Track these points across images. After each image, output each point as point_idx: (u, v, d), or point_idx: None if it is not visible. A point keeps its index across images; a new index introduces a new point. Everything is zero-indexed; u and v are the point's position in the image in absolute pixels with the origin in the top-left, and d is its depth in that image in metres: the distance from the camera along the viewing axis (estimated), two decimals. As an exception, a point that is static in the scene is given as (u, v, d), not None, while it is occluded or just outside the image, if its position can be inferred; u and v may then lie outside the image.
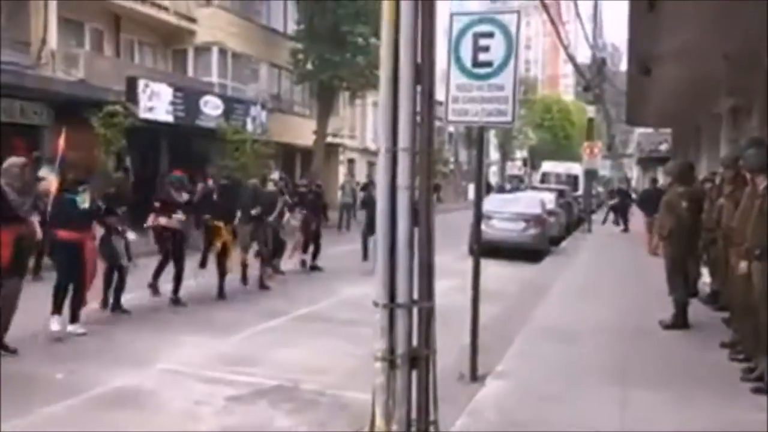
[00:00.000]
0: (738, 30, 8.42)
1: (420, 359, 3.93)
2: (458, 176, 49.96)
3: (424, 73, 3.90)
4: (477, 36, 5.98)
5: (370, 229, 12.79)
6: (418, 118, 3.84)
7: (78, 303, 7.62)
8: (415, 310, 3.90)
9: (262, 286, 11.06)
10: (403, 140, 3.80)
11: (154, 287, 9.60)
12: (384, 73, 3.84)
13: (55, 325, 7.37)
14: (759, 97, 9.00)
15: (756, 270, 5.82)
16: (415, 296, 3.92)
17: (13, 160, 6.89)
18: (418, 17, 3.82)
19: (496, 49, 5.92)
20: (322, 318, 9.14)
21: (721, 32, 8.77)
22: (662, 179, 20.29)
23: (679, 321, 8.22)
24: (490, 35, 5.95)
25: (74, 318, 7.62)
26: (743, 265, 6.01)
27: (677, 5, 7.72)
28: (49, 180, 8.14)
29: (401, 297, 3.86)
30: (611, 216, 26.07)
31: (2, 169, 6.78)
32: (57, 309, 7.43)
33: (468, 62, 6.02)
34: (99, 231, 8.37)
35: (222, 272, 10.12)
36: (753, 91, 9.13)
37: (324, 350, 7.47)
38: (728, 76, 10.21)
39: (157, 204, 9.61)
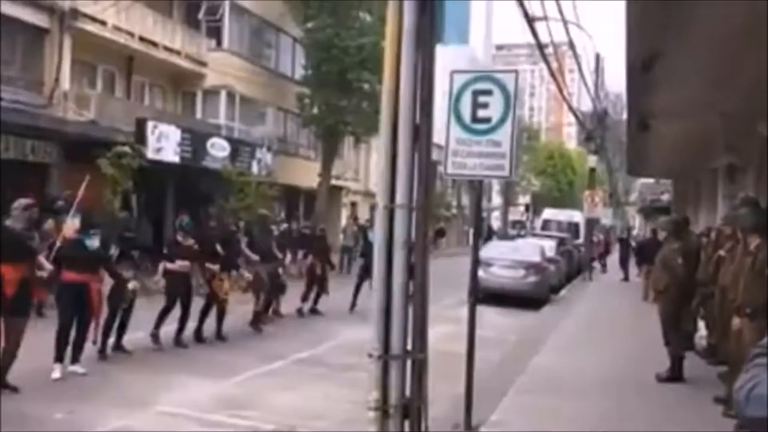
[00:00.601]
0: (734, 89, 8.66)
1: (412, 409, 4.04)
2: (461, 221, 50.16)
3: (422, 133, 4.10)
4: (476, 93, 6.18)
5: (365, 274, 13.00)
6: (416, 177, 4.02)
7: (80, 344, 7.71)
8: (408, 362, 4.02)
9: (256, 328, 11.13)
10: (401, 197, 3.97)
11: (155, 336, 9.42)
12: (384, 133, 4.04)
13: (56, 373, 7.42)
14: (754, 156, 9.20)
15: (747, 327, 5.92)
16: (409, 347, 4.05)
17: (20, 202, 7.08)
18: (417, 82, 4.03)
19: (495, 106, 6.12)
20: (321, 362, 9.20)
21: (718, 90, 9.01)
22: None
23: (675, 374, 8.28)
24: (489, 93, 6.16)
25: (75, 359, 7.70)
26: (736, 321, 6.12)
27: (673, 64, 7.97)
28: (68, 225, 8.33)
29: (395, 348, 3.98)
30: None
31: (11, 209, 6.98)
32: (59, 356, 7.49)
33: (467, 118, 6.21)
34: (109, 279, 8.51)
35: (221, 314, 10.22)
36: (749, 149, 9.34)
37: (321, 395, 7.53)
38: (725, 134, 10.45)
39: (165, 251, 9.76)
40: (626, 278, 23.28)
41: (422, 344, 4.05)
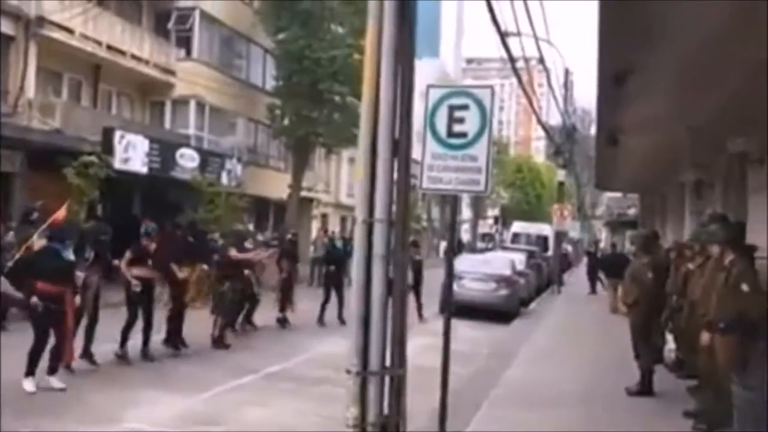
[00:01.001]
0: (702, 105, 8.80)
1: (390, 426, 4.00)
2: (431, 233, 50.29)
3: (401, 147, 4.08)
4: (452, 108, 6.19)
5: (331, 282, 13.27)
6: (395, 191, 3.99)
7: (58, 356, 7.50)
8: (386, 378, 3.98)
9: (220, 344, 10.69)
10: (380, 211, 3.94)
11: (123, 356, 9.13)
12: (362, 146, 4.01)
13: (29, 385, 7.24)
14: (721, 171, 9.36)
15: (719, 342, 5.99)
16: (387, 363, 4.01)
17: None
18: (396, 96, 4.01)
19: (471, 121, 6.12)
20: (292, 377, 9.09)
21: (687, 106, 9.14)
22: (627, 244, 20.97)
23: (645, 388, 8.34)
24: (465, 107, 6.17)
25: (53, 370, 7.50)
26: (705, 336, 6.19)
27: (644, 79, 8.07)
28: (37, 242, 8.19)
29: (373, 364, 3.94)
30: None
31: None
32: (31, 371, 7.30)
33: (443, 132, 6.21)
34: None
35: (179, 317, 10.08)
36: (716, 164, 9.50)
37: (292, 410, 7.44)
38: (692, 149, 10.61)
39: (129, 255, 9.45)
40: (593, 291, 23.51)
41: (401, 360, 4.01)
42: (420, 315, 14.68)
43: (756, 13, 5.38)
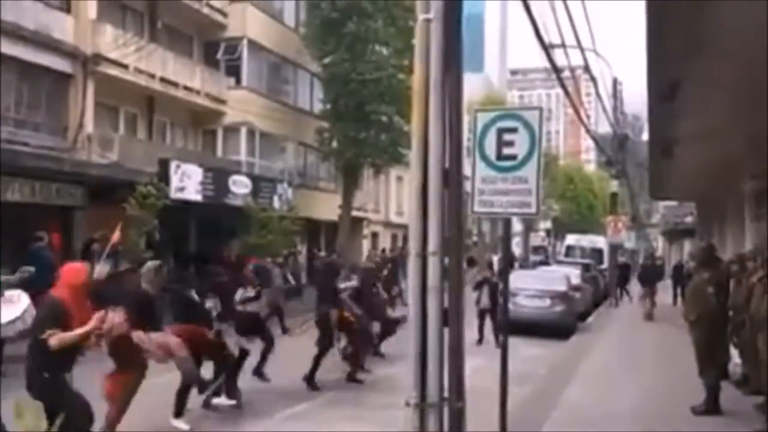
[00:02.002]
0: (759, 113, 8.58)
1: (451, 459, 3.99)
2: (482, 248, 49.92)
3: (452, 177, 4.10)
4: (501, 131, 6.20)
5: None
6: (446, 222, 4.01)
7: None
8: (445, 410, 3.98)
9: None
10: (433, 244, 3.96)
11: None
12: (414, 180, 4.04)
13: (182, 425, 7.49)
14: (782, 180, 9.11)
15: (786, 360, 5.81)
16: (446, 394, 4.01)
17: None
18: (445, 126, 4.04)
19: (520, 143, 6.12)
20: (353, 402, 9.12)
21: (742, 116, 8.93)
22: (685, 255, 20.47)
23: (711, 406, 8.12)
24: (514, 130, 6.17)
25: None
26: (772, 353, 6.01)
27: (696, 91, 7.93)
28: (99, 269, 8.46)
29: (432, 396, 3.94)
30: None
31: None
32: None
33: (493, 156, 6.22)
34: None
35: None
36: (775, 174, 9.25)
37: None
38: (751, 158, 10.34)
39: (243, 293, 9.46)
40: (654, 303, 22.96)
41: (459, 392, 4.01)
42: (497, 338, 12.79)
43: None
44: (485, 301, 14.29)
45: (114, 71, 18.57)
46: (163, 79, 20.46)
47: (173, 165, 18.19)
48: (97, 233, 14.63)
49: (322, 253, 24.31)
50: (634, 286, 24.25)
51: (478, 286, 14.47)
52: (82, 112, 17.67)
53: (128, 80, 19.24)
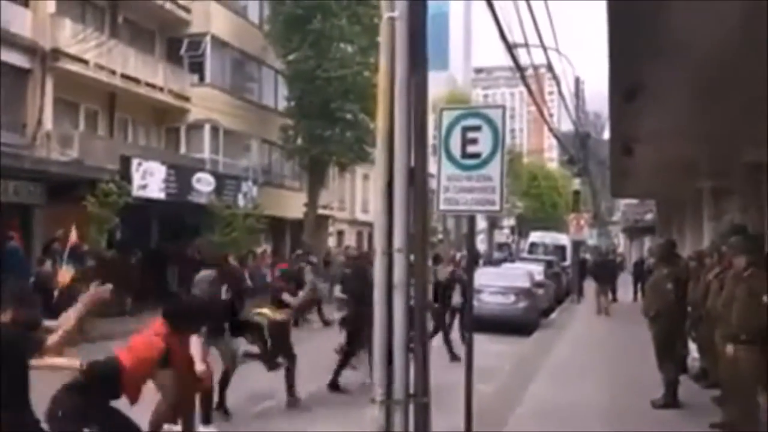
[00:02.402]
0: (718, 115, 8.79)
1: (417, 454, 4.03)
2: (447, 245, 50.21)
3: (417, 175, 4.13)
4: (465, 129, 6.24)
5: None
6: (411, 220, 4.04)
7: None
8: (411, 406, 4.01)
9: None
10: (398, 242, 3.99)
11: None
12: (380, 178, 4.07)
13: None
14: (738, 180, 9.33)
15: (743, 354, 5.96)
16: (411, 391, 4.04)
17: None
18: (411, 125, 4.07)
19: (484, 141, 6.17)
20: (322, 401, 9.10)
21: (702, 117, 9.13)
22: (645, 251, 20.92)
23: (670, 400, 8.29)
24: (478, 129, 6.22)
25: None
26: (729, 348, 6.16)
27: (657, 92, 8.09)
28: (62, 272, 8.28)
29: (398, 393, 3.97)
30: None
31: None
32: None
33: (457, 154, 6.26)
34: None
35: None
36: (732, 173, 9.47)
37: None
38: (709, 158, 10.58)
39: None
40: (614, 299, 23.38)
41: (425, 388, 4.04)
42: (463, 336, 13.22)
43: (765, 25, 5.40)
44: (457, 298, 14.21)
45: (74, 67, 18.24)
46: (124, 76, 20.17)
47: (135, 162, 17.94)
48: (57, 232, 14.41)
49: (350, 249, 23.99)
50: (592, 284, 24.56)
51: (449, 284, 14.33)
52: (40, 108, 17.34)
53: (88, 76, 18.92)
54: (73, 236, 9.00)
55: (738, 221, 8.15)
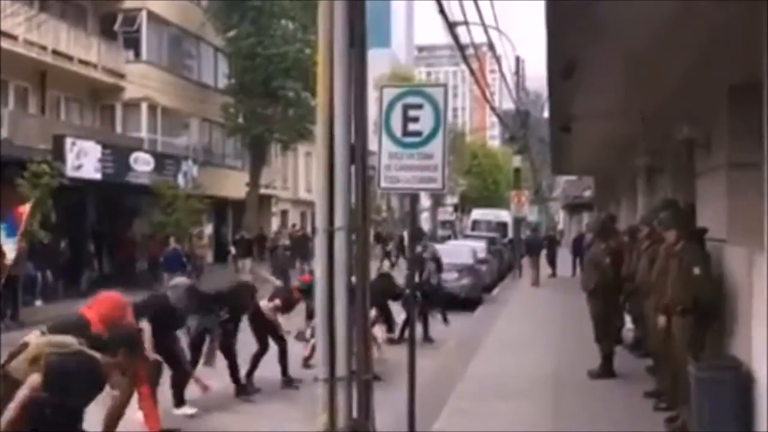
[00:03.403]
0: (652, 93, 9.02)
1: (360, 430, 4.05)
2: (390, 224, 50.44)
3: (357, 153, 4.11)
4: (406, 107, 6.24)
5: None
6: (353, 198, 4.03)
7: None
8: (354, 383, 4.03)
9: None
10: (339, 219, 3.97)
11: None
12: (320, 156, 4.03)
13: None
14: (671, 157, 9.62)
15: (677, 324, 6.17)
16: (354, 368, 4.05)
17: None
18: (351, 102, 4.04)
19: (425, 119, 6.19)
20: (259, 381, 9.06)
21: (637, 95, 9.35)
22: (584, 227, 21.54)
23: (606, 370, 8.56)
24: (419, 107, 6.23)
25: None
26: (662, 319, 6.38)
27: (593, 70, 8.24)
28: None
29: (340, 371, 3.98)
30: None
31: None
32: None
33: (398, 132, 6.26)
34: None
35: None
36: (665, 151, 9.74)
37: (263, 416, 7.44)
38: (644, 137, 10.85)
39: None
40: (554, 274, 23.93)
41: (367, 365, 4.06)
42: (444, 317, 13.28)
43: (697, 7, 5.55)
44: (434, 278, 13.95)
45: (2, 43, 17.47)
46: (55, 52, 19.45)
47: (68, 142, 17.40)
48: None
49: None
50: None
51: (419, 262, 14.17)
52: (-34, 85, 16.59)
53: (17, 53, 18.17)
54: (24, 220, 8.84)
55: (670, 197, 8.41)
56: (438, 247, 21.75)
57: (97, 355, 4.30)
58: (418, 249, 13.58)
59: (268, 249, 23.79)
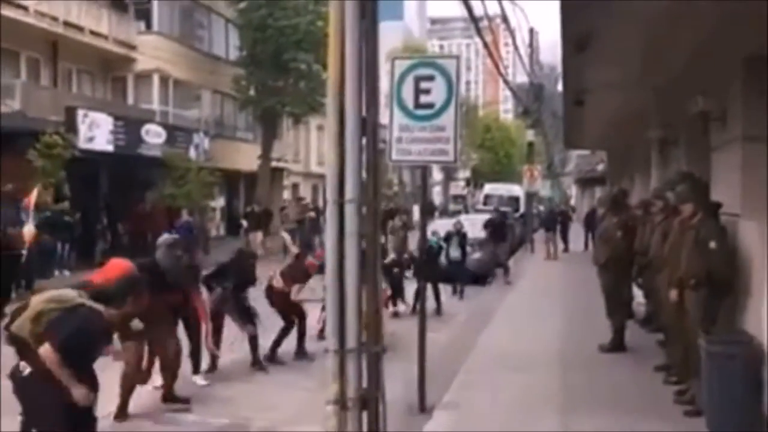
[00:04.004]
0: (665, 65, 8.90)
1: (370, 401, 4.08)
2: (402, 198, 50.40)
3: (369, 125, 4.09)
4: (418, 79, 6.20)
5: None
6: (364, 172, 4.02)
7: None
8: (364, 355, 4.05)
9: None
10: (350, 191, 3.96)
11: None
12: (330, 127, 4.01)
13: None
14: (685, 130, 9.50)
15: (689, 298, 6.15)
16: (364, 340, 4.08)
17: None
18: (362, 73, 4.01)
19: (437, 91, 6.15)
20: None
21: (650, 67, 9.24)
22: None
23: (617, 344, 8.57)
24: (431, 78, 6.18)
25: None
26: (674, 293, 6.35)
27: (607, 41, 8.14)
28: (27, 230, 8.12)
29: (350, 342, 4.00)
30: None
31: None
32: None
33: (410, 104, 6.22)
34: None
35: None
36: (679, 123, 9.62)
37: (274, 385, 7.52)
38: (657, 109, 10.72)
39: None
40: (566, 249, 23.86)
41: (377, 336, 4.08)
42: (461, 291, 14.32)
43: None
44: (455, 252, 14.46)
45: (13, 13, 17.44)
46: (67, 23, 19.39)
47: (81, 114, 17.43)
48: (8, 186, 14.04)
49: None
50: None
51: (447, 238, 14.52)
52: (-21, 57, 16.60)
53: (29, 23, 18.13)
54: (33, 198, 8.93)
55: (687, 170, 8.32)
56: (449, 221, 21.82)
57: (100, 306, 4.29)
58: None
59: (292, 221, 23.79)
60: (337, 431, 3.96)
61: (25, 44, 19.03)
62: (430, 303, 10.89)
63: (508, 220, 24.21)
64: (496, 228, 16.78)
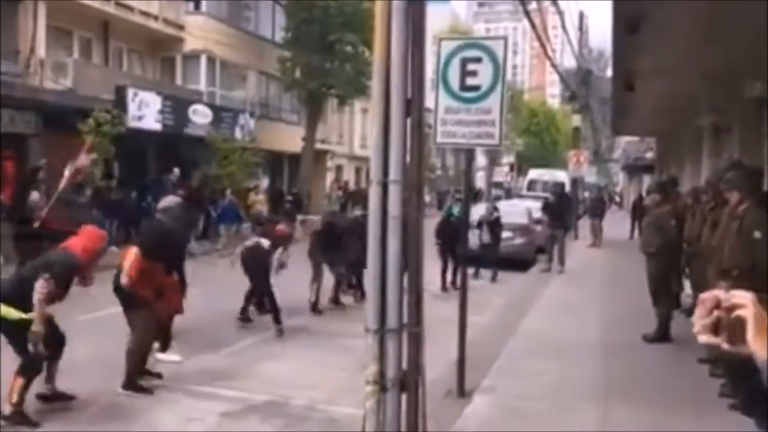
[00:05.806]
0: (718, 49, 8.65)
1: (409, 382, 4.08)
2: (446, 182, 50.21)
3: (414, 107, 4.06)
4: (465, 61, 6.12)
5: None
6: (408, 154, 3.99)
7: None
8: (404, 335, 4.05)
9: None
10: (394, 173, 3.95)
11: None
12: (376, 107, 3.99)
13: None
14: (738, 116, 9.23)
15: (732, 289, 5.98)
16: (405, 321, 4.07)
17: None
18: (408, 54, 3.98)
19: (484, 73, 6.06)
20: (309, 330, 9.24)
21: (702, 51, 8.99)
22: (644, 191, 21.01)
23: (662, 335, 8.41)
24: (478, 60, 6.10)
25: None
26: (722, 284, 6.19)
27: (659, 25, 7.94)
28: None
29: (391, 323, 4.00)
30: None
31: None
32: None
33: (456, 86, 6.16)
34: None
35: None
36: (733, 109, 9.36)
37: (313, 364, 7.59)
38: (709, 94, 10.44)
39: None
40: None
41: (418, 317, 4.07)
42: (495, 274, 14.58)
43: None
44: (486, 237, 14.55)
45: (66, -7, 17.79)
46: (118, 3, 19.69)
47: (130, 92, 17.71)
48: (42, 161, 14.43)
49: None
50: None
51: (479, 225, 14.58)
52: (33, 35, 16.95)
53: (81, 3, 18.46)
54: (84, 160, 9.34)
55: (737, 158, 8.09)
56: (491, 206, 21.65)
57: None
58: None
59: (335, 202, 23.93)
60: (376, 412, 3.97)
61: (78, 23, 19.40)
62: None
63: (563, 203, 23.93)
64: (554, 211, 16.43)
